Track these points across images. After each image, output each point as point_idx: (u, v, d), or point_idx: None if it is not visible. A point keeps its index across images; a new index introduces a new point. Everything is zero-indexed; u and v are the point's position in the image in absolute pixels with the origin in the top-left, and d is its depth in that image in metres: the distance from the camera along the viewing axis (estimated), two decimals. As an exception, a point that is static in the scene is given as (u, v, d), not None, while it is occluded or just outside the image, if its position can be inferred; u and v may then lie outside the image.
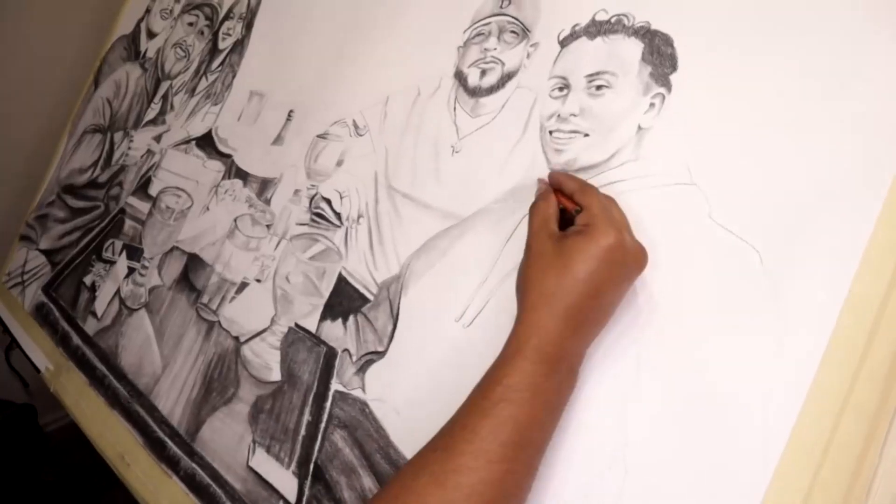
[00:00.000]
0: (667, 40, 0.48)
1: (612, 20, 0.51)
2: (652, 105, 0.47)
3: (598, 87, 0.50)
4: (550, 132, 0.52)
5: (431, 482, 0.38)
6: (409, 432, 0.52)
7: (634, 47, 0.50)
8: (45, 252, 0.94)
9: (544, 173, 0.51)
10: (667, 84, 0.48)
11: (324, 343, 0.60)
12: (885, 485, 0.34)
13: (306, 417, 0.58)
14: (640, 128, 0.48)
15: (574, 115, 0.51)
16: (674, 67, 0.48)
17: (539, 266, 0.43)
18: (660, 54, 0.48)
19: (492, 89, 0.57)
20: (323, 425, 0.57)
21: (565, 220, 0.46)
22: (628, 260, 0.42)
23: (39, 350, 0.88)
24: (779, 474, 0.37)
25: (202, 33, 0.90)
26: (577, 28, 0.53)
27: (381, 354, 0.56)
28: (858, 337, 0.37)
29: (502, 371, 0.40)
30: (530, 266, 0.43)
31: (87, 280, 0.86)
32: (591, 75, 0.51)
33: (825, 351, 0.37)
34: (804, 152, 0.41)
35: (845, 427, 0.36)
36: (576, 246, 0.41)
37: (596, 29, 0.52)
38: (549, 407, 0.40)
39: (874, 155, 0.39)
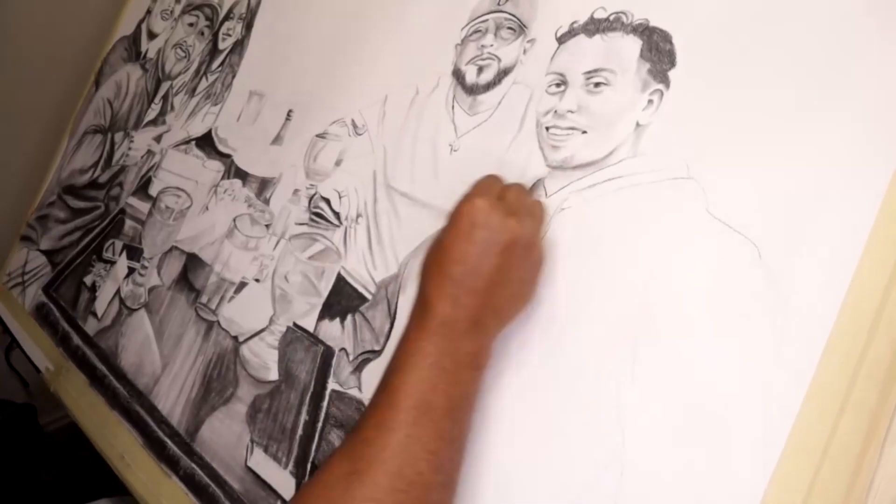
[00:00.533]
0: (665, 37, 0.48)
1: (611, 18, 0.51)
2: (650, 102, 0.47)
3: (597, 85, 0.50)
4: (547, 128, 0.52)
5: (342, 456, 0.40)
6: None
7: (633, 44, 0.49)
8: (46, 252, 0.95)
9: (541, 170, 0.51)
10: (665, 80, 0.47)
11: (321, 342, 0.60)
12: (886, 485, 0.33)
13: (303, 417, 0.58)
14: (638, 124, 0.47)
15: (571, 112, 0.50)
16: (672, 64, 0.47)
17: (433, 247, 0.46)
18: (658, 51, 0.48)
19: (488, 86, 0.57)
20: (320, 425, 0.57)
21: None
22: (492, 225, 0.42)
23: (39, 350, 0.88)
24: (778, 474, 0.36)
25: (202, 34, 0.90)
26: (575, 25, 0.53)
27: (377, 354, 0.56)
28: (858, 334, 0.36)
29: (398, 345, 0.43)
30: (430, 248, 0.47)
31: (88, 280, 0.87)
32: (590, 72, 0.51)
33: (825, 348, 0.37)
34: (803, 147, 0.41)
35: (845, 426, 0.35)
36: (448, 221, 0.45)
37: (594, 27, 0.52)
38: (441, 369, 0.41)
39: (874, 149, 0.39)
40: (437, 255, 0.44)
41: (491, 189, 0.45)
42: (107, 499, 0.81)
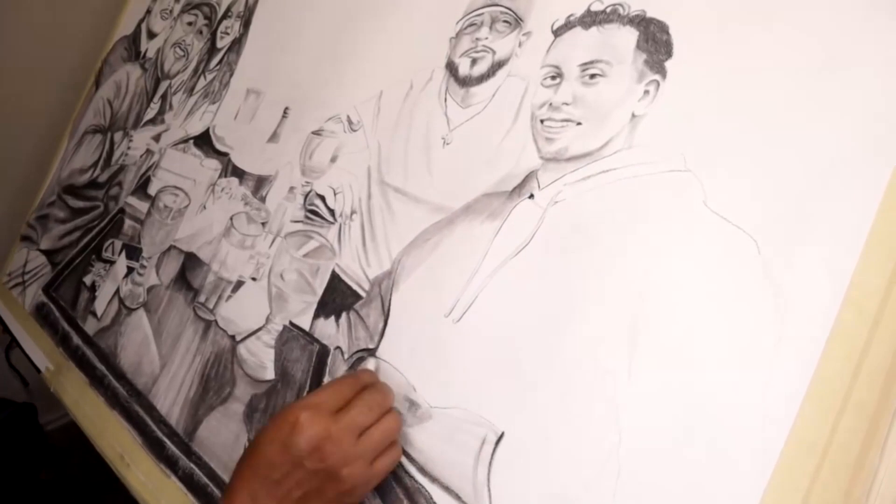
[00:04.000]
0: (662, 27, 0.47)
1: (608, 10, 0.51)
2: (646, 92, 0.46)
3: (592, 76, 0.49)
4: (542, 121, 0.51)
5: None
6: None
7: (629, 35, 0.49)
8: (46, 252, 0.95)
9: (535, 162, 0.50)
10: (662, 71, 0.46)
11: (317, 341, 0.59)
12: (886, 485, 0.32)
13: (299, 416, 0.58)
14: (633, 115, 0.47)
15: (566, 104, 0.50)
16: (669, 54, 0.47)
17: None
18: (655, 41, 0.47)
19: (482, 78, 0.56)
20: (315, 424, 0.56)
21: None
22: (299, 441, 0.43)
23: (39, 350, 0.88)
24: (777, 475, 0.36)
25: (201, 32, 0.90)
26: (571, 18, 0.52)
27: (371, 351, 0.55)
28: (859, 331, 0.35)
29: None
30: None
31: (87, 280, 0.87)
32: (585, 64, 0.50)
33: (825, 346, 0.36)
34: (802, 140, 0.40)
35: (845, 426, 0.34)
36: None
37: (591, 19, 0.51)
38: None
39: (874, 143, 0.38)
40: (254, 446, 0.45)
41: (328, 400, 0.45)
42: None
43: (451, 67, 0.59)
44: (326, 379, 0.57)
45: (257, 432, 0.46)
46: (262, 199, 0.71)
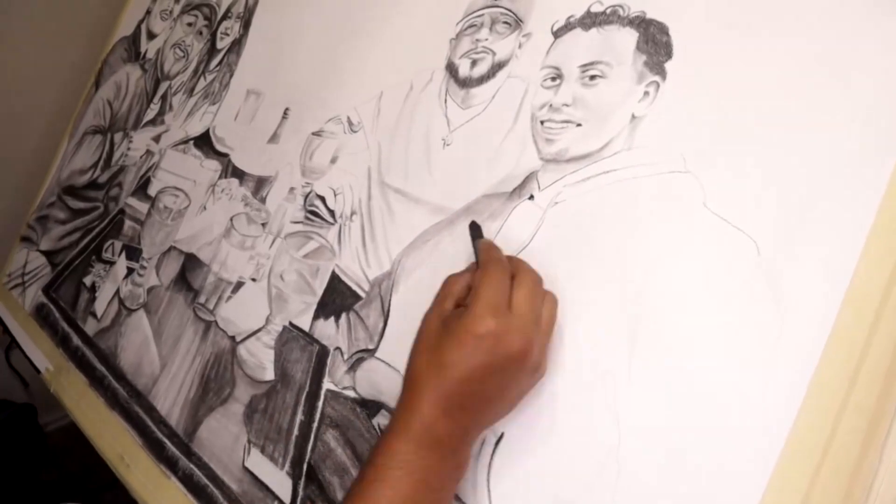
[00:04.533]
0: (662, 28, 0.47)
1: (608, 11, 0.51)
2: (646, 94, 0.47)
3: (592, 77, 0.49)
4: (542, 122, 0.51)
5: None
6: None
7: (629, 37, 0.49)
8: (46, 253, 0.95)
9: (535, 163, 0.50)
10: (661, 72, 0.47)
11: (316, 342, 0.59)
12: (886, 486, 0.32)
13: (299, 417, 0.58)
14: (633, 116, 0.47)
15: (566, 105, 0.50)
16: (669, 55, 0.47)
17: (419, 345, 0.43)
18: (655, 43, 0.47)
19: (482, 79, 0.56)
20: (315, 425, 0.56)
21: None
22: (501, 351, 0.39)
23: (39, 351, 0.88)
24: (777, 475, 0.36)
25: (201, 33, 0.90)
26: (571, 19, 0.53)
27: (371, 352, 0.55)
28: (859, 332, 0.35)
29: (378, 450, 0.41)
30: (414, 343, 0.43)
31: (87, 281, 0.87)
32: (585, 65, 0.50)
33: (825, 346, 0.36)
34: (802, 141, 0.40)
35: (845, 426, 0.34)
36: (451, 328, 0.41)
37: (591, 20, 0.51)
38: (427, 486, 0.39)
39: (874, 143, 0.38)
40: (436, 361, 0.40)
41: (500, 299, 0.41)
42: None
43: (452, 68, 0.59)
44: (326, 380, 0.57)
45: (427, 353, 0.41)
46: (263, 200, 0.71)
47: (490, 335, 0.39)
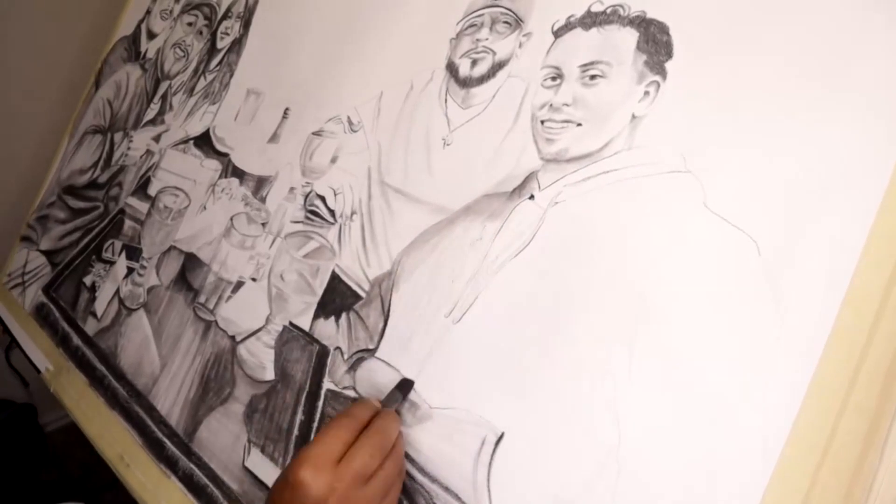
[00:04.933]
0: (662, 28, 0.47)
1: (608, 11, 0.51)
2: (647, 93, 0.46)
3: (592, 77, 0.49)
4: (542, 122, 0.51)
5: None
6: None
7: (629, 36, 0.49)
8: (46, 253, 0.95)
9: (535, 163, 0.50)
10: (662, 72, 0.46)
11: (316, 341, 0.59)
12: (886, 486, 0.32)
13: (299, 417, 0.58)
14: (634, 116, 0.47)
15: (567, 105, 0.50)
16: (669, 55, 0.47)
17: None
18: (655, 42, 0.47)
19: (482, 79, 0.56)
20: (315, 425, 0.56)
21: None
22: (287, 492, 0.41)
23: (39, 351, 0.88)
24: (777, 475, 0.36)
25: (201, 33, 0.90)
26: (571, 19, 0.52)
27: (371, 352, 0.55)
28: (859, 332, 0.35)
29: None
30: None
31: (87, 280, 0.86)
32: (585, 65, 0.50)
33: (825, 346, 0.36)
34: (802, 140, 0.40)
35: (845, 427, 0.34)
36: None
37: (591, 20, 0.51)
38: None
39: (874, 143, 0.38)
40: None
41: (324, 454, 0.42)
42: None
43: (452, 68, 0.59)
44: (326, 380, 0.57)
45: (269, 492, 0.45)
46: (263, 200, 0.71)
47: (298, 486, 0.41)
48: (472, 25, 0.59)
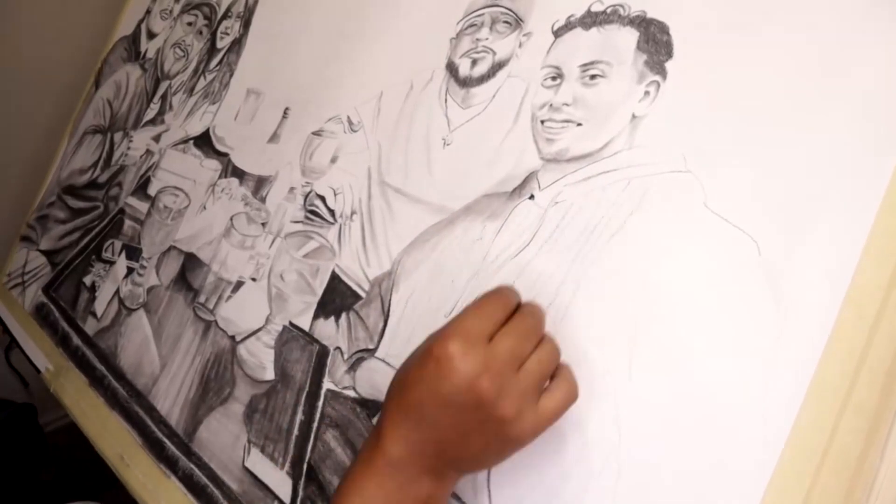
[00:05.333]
0: (662, 28, 0.47)
1: (608, 10, 0.51)
2: (647, 93, 0.46)
3: (592, 77, 0.49)
4: (542, 122, 0.51)
5: None
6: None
7: (630, 36, 0.49)
8: (46, 252, 0.95)
9: (535, 163, 0.50)
10: (662, 72, 0.46)
11: (316, 341, 0.59)
12: (887, 486, 0.32)
13: (299, 417, 0.58)
14: (634, 116, 0.47)
15: (567, 105, 0.50)
16: (669, 55, 0.47)
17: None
18: (655, 42, 0.47)
19: (482, 79, 0.56)
20: (315, 425, 0.56)
21: None
22: (455, 381, 0.36)
23: (39, 350, 0.88)
24: (777, 475, 0.36)
25: (201, 33, 0.90)
26: (571, 18, 0.52)
27: (371, 352, 0.55)
28: (860, 332, 0.35)
29: (346, 474, 0.40)
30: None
31: (87, 280, 0.86)
32: (585, 65, 0.50)
33: (826, 346, 0.36)
34: (803, 140, 0.40)
35: (846, 427, 0.34)
36: (420, 347, 0.39)
37: (591, 19, 0.51)
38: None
39: (875, 143, 0.38)
40: (400, 385, 0.39)
41: (478, 328, 0.37)
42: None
43: (452, 68, 0.59)
44: (326, 380, 0.57)
45: (402, 368, 0.40)
46: (263, 200, 0.71)
47: (446, 360, 0.36)
48: (472, 25, 0.59)
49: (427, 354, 0.37)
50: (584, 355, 0.44)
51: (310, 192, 0.66)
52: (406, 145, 0.60)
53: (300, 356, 0.60)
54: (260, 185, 0.72)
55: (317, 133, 0.68)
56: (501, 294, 0.40)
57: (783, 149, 0.41)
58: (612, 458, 0.41)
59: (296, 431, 0.58)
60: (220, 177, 0.77)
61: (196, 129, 0.83)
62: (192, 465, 0.65)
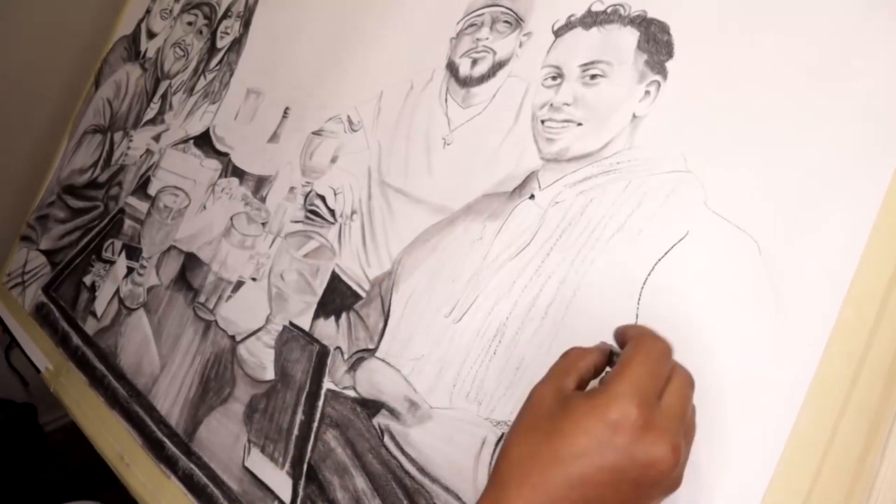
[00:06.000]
0: (663, 27, 0.47)
1: (609, 10, 0.51)
2: (647, 93, 0.46)
3: (593, 77, 0.49)
4: (542, 121, 0.51)
5: None
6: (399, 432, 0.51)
7: (630, 36, 0.49)
8: (46, 252, 0.95)
9: (535, 162, 0.50)
10: (662, 71, 0.46)
11: (316, 341, 0.59)
12: (887, 488, 0.32)
13: (299, 417, 0.58)
14: (634, 116, 0.47)
15: (567, 105, 0.50)
16: (670, 54, 0.47)
17: (522, 425, 0.33)
18: (656, 42, 0.47)
19: (482, 79, 0.56)
20: (315, 425, 0.56)
21: None
22: (639, 454, 0.30)
23: (39, 350, 0.88)
24: (778, 476, 0.35)
25: (201, 32, 0.90)
26: (572, 18, 0.52)
27: (371, 352, 0.55)
28: (860, 332, 0.35)
29: None
30: (515, 424, 0.34)
31: (87, 280, 0.86)
32: (586, 65, 0.50)
33: (826, 346, 0.36)
34: (803, 140, 0.40)
35: (846, 427, 0.34)
36: (573, 411, 0.31)
37: (592, 19, 0.51)
38: None
39: (875, 144, 0.38)
40: (546, 450, 0.31)
41: (651, 386, 0.31)
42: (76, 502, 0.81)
43: (452, 68, 0.59)
44: (326, 380, 0.57)
45: (529, 432, 0.32)
46: (263, 200, 0.71)
47: (629, 427, 0.30)
48: (472, 25, 0.59)
49: (598, 419, 0.30)
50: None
51: (310, 192, 0.66)
52: (406, 145, 0.60)
53: (300, 356, 0.60)
54: (260, 184, 0.72)
55: (317, 133, 0.68)
56: (660, 340, 0.34)
57: (784, 149, 0.40)
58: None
59: (296, 431, 0.57)
60: (220, 176, 0.77)
61: (196, 128, 0.83)
62: (192, 465, 0.65)
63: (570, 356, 0.36)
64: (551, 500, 0.30)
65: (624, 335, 0.35)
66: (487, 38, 0.57)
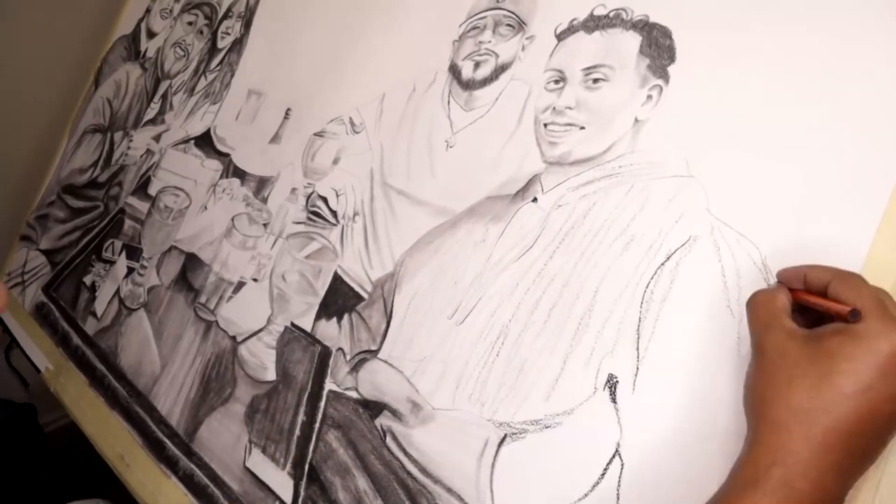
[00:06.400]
0: (665, 32, 0.48)
1: (611, 14, 0.51)
2: (649, 97, 0.47)
3: (595, 81, 0.49)
4: (545, 125, 0.51)
5: None
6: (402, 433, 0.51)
7: (632, 40, 0.49)
8: (46, 252, 0.95)
9: (538, 166, 0.51)
10: (665, 76, 0.47)
11: (318, 342, 0.60)
12: (888, 488, 0.33)
13: (301, 417, 0.58)
14: (636, 120, 0.47)
15: (570, 108, 0.50)
16: (672, 59, 0.47)
17: (782, 372, 0.33)
18: (658, 46, 0.48)
19: (485, 81, 0.57)
20: (317, 425, 0.56)
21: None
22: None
23: (39, 350, 0.88)
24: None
25: (201, 32, 0.90)
26: (574, 22, 0.53)
27: (374, 353, 0.55)
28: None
29: None
30: (767, 371, 0.34)
31: (87, 280, 0.86)
32: (588, 68, 0.50)
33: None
34: (806, 145, 0.40)
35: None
36: (839, 350, 0.31)
37: (594, 23, 0.52)
38: None
39: (878, 147, 0.38)
40: (825, 395, 0.31)
41: (893, 309, 0.32)
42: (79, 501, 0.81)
43: (455, 70, 0.59)
44: (328, 381, 0.57)
45: (825, 377, 0.31)
46: (264, 200, 0.71)
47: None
48: (474, 28, 0.59)
49: (872, 353, 0.31)
50: (588, 357, 0.44)
51: (312, 193, 0.66)
52: (408, 147, 0.60)
53: (302, 357, 0.60)
54: (261, 185, 0.72)
55: (319, 134, 0.69)
56: (850, 273, 0.35)
57: (786, 154, 0.41)
58: (615, 458, 0.41)
59: (297, 432, 0.58)
60: (221, 177, 0.77)
61: (197, 129, 0.83)
62: (193, 466, 0.65)
63: (764, 301, 0.36)
64: (833, 439, 0.31)
65: (807, 278, 0.35)
66: (490, 41, 0.57)
